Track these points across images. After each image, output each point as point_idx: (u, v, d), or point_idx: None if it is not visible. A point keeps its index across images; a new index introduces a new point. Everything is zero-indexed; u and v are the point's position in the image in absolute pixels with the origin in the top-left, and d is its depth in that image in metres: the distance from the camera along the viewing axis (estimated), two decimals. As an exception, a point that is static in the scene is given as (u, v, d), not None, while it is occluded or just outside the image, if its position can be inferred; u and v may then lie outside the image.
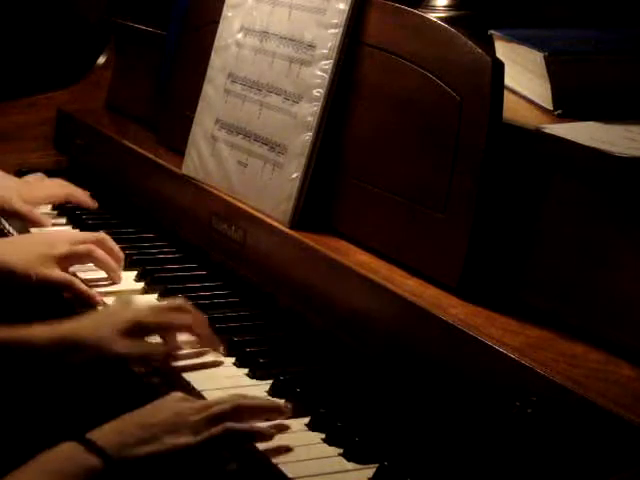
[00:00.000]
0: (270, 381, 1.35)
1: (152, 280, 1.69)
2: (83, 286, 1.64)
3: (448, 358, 1.25)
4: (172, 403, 1.23)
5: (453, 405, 1.23)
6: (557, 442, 1.09)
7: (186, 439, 1.18)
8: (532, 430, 1.11)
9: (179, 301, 1.49)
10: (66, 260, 1.67)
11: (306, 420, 1.26)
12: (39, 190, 2.01)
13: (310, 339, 1.50)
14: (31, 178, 2.11)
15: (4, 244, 1.72)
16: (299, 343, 1.49)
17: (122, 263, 1.73)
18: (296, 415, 1.27)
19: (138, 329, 1.42)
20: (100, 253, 1.69)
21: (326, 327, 1.48)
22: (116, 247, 1.73)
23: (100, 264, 1.70)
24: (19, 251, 1.65)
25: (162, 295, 1.64)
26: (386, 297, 1.35)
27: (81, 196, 2.02)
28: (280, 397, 1.31)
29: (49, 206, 2.06)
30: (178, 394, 1.25)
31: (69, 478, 1.12)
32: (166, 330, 1.45)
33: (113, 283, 1.70)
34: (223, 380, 1.39)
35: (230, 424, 1.20)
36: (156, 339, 1.46)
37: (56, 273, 1.63)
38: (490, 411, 1.17)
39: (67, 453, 1.15)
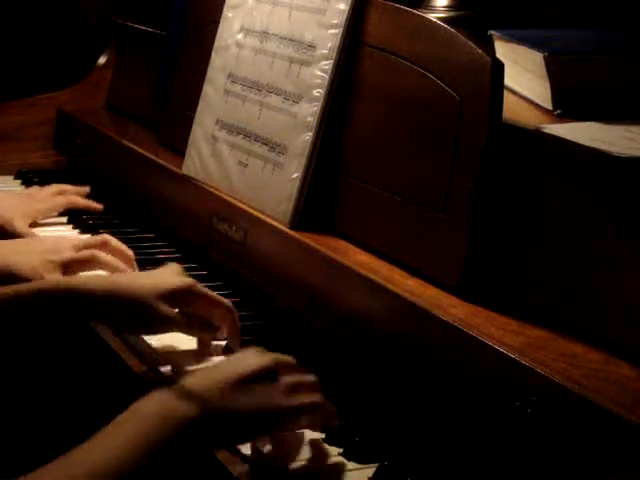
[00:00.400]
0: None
1: (152, 280, 1.69)
2: None
3: (448, 358, 1.25)
4: (256, 358, 1.20)
5: (453, 405, 1.23)
6: (557, 442, 1.09)
7: (279, 401, 1.15)
8: (532, 430, 1.11)
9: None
10: (69, 266, 1.65)
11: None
12: (41, 203, 1.99)
13: (310, 339, 1.50)
14: (32, 191, 2.10)
15: (8, 247, 1.71)
16: (299, 343, 1.49)
17: (133, 261, 1.71)
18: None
19: (185, 297, 1.44)
20: (103, 257, 1.66)
21: (326, 327, 1.48)
22: (123, 246, 1.71)
23: (107, 268, 1.67)
24: (23, 256, 1.64)
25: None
26: (386, 297, 1.35)
27: (82, 203, 2.01)
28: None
29: (64, 219, 2.05)
30: (256, 348, 1.23)
31: (168, 429, 1.07)
32: (212, 306, 1.46)
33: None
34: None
35: (318, 400, 1.19)
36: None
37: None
38: (490, 411, 1.17)
39: (164, 403, 1.10)
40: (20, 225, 1.89)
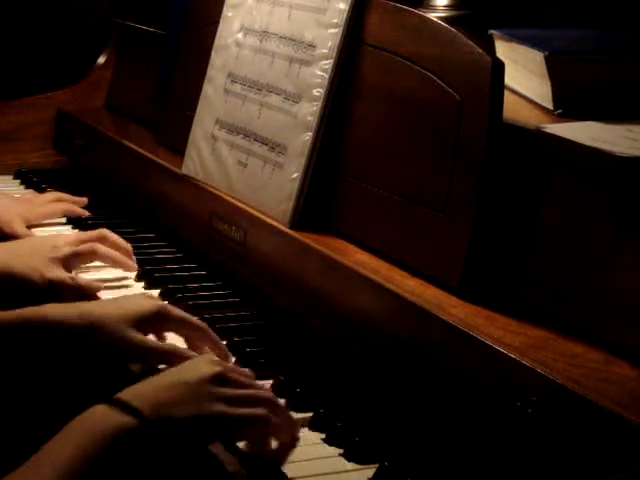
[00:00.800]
0: (270, 381, 1.35)
1: (152, 280, 1.69)
2: (88, 282, 1.64)
3: (448, 358, 1.25)
4: (205, 366, 1.20)
5: (453, 405, 1.23)
6: (557, 442, 1.09)
7: (224, 408, 1.15)
8: (532, 430, 1.11)
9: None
10: (70, 261, 1.67)
11: (306, 420, 1.26)
12: (40, 207, 2.00)
13: (310, 339, 1.49)
14: (31, 196, 2.11)
15: (7, 249, 1.72)
16: (299, 343, 1.49)
17: (131, 254, 1.74)
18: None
19: (157, 322, 1.41)
20: (103, 249, 1.70)
21: (326, 327, 1.48)
22: (119, 239, 1.73)
23: (106, 260, 1.71)
24: (24, 258, 1.65)
25: (162, 295, 1.64)
26: (386, 297, 1.35)
27: (79, 212, 2.02)
28: (280, 397, 1.31)
29: (64, 218, 2.05)
30: (209, 356, 1.24)
31: (103, 439, 1.08)
32: (185, 327, 1.42)
33: (128, 271, 1.72)
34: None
35: (266, 412, 1.18)
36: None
37: (63, 274, 1.63)
38: (490, 411, 1.17)
39: (100, 415, 1.11)
40: (18, 227, 1.90)
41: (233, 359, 1.42)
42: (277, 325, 1.55)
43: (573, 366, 1.15)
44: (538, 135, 1.32)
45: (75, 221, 1.99)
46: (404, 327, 1.32)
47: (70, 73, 2.47)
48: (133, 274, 1.72)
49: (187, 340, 1.42)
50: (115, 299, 1.47)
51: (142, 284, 1.69)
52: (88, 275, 1.70)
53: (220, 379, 1.18)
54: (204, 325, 1.42)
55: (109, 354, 1.37)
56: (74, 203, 2.03)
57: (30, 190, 2.20)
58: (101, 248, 1.70)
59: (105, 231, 1.74)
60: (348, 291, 1.42)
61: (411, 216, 1.43)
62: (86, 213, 2.02)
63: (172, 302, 1.60)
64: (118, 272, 1.73)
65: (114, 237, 1.73)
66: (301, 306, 1.54)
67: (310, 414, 1.25)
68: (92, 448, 1.07)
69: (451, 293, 1.34)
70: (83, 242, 1.70)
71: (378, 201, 1.49)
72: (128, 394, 1.14)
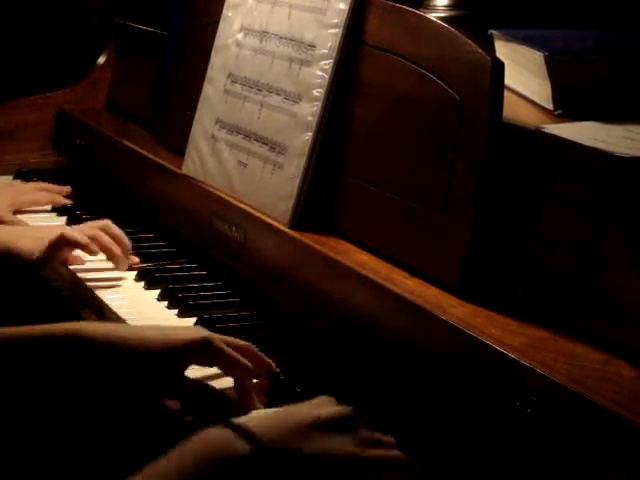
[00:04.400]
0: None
1: (152, 280, 1.69)
2: (85, 239, 1.69)
3: (448, 358, 1.25)
4: (335, 406, 1.12)
5: (453, 405, 1.23)
6: (557, 442, 1.09)
7: (355, 449, 1.07)
8: (532, 430, 1.11)
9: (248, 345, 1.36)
10: (72, 242, 1.70)
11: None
12: (25, 195, 2.04)
13: (310, 339, 1.50)
14: (16, 183, 2.16)
15: (7, 230, 1.74)
16: (299, 343, 1.49)
17: (129, 249, 1.75)
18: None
19: (202, 354, 1.29)
20: (104, 237, 1.73)
21: (326, 327, 1.48)
22: (122, 235, 1.76)
23: (103, 249, 1.73)
24: (23, 236, 1.68)
25: (163, 295, 1.64)
26: (386, 297, 1.35)
27: (62, 201, 2.06)
28: (280, 397, 1.31)
29: (49, 206, 2.07)
30: (328, 398, 1.15)
31: (219, 465, 1.01)
32: (227, 364, 1.31)
33: (117, 269, 1.73)
34: (224, 381, 1.39)
35: (400, 454, 1.11)
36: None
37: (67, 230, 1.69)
38: (490, 411, 1.17)
39: (217, 439, 1.04)
40: (8, 216, 1.93)
41: None
42: (277, 325, 1.55)
43: (573, 366, 1.15)
44: (538, 135, 1.32)
45: (75, 221, 1.99)
46: (404, 327, 1.32)
47: (70, 73, 2.47)
48: (133, 274, 1.72)
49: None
50: (157, 326, 1.37)
51: (142, 284, 1.69)
52: (88, 275, 1.70)
53: (351, 420, 1.11)
54: (249, 367, 1.29)
55: (138, 384, 1.27)
56: (58, 193, 2.08)
57: (18, 180, 2.22)
58: (103, 236, 1.72)
59: (109, 222, 1.77)
60: (348, 291, 1.42)
61: (411, 216, 1.43)
62: (69, 202, 2.06)
63: (172, 302, 1.61)
64: (118, 272, 1.73)
65: (117, 231, 1.76)
66: (301, 306, 1.54)
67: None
68: (202, 468, 1.01)
69: (451, 293, 1.34)
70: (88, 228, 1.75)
71: (378, 201, 1.49)
72: (247, 420, 1.07)
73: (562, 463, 1.08)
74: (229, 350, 1.28)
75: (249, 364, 1.29)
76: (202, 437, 1.05)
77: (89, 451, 1.49)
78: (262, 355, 1.34)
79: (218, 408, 1.27)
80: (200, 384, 1.31)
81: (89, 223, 1.81)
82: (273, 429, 1.06)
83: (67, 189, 2.09)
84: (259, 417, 1.10)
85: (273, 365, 1.34)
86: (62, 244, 1.68)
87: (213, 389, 1.31)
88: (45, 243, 1.66)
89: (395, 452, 1.11)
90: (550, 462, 1.09)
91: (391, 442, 1.13)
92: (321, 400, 1.15)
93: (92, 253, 1.72)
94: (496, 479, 1.13)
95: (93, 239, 1.72)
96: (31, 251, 1.66)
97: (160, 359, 1.25)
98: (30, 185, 2.11)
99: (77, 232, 1.72)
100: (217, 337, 1.30)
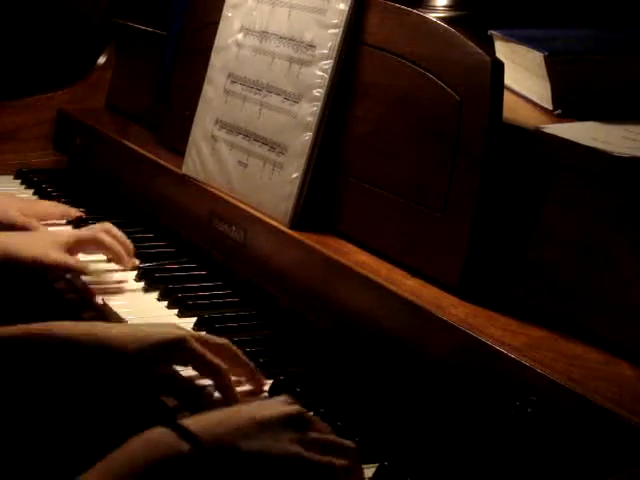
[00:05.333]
0: (270, 381, 1.35)
1: (152, 280, 1.69)
2: (90, 268, 1.67)
3: (448, 358, 1.25)
4: (284, 405, 1.11)
5: (453, 405, 1.23)
6: (557, 442, 1.09)
7: (301, 451, 1.05)
8: (532, 430, 1.11)
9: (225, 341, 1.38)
10: (74, 245, 1.70)
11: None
12: (36, 206, 2.02)
13: (310, 339, 1.50)
14: (30, 198, 2.14)
15: (10, 237, 1.73)
16: (299, 343, 1.49)
17: (130, 249, 1.75)
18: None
19: (173, 352, 1.30)
20: (106, 238, 1.72)
21: (326, 327, 1.48)
22: (123, 236, 1.75)
23: (107, 249, 1.73)
24: (26, 240, 1.67)
25: (163, 295, 1.64)
26: (386, 297, 1.35)
27: (74, 214, 2.03)
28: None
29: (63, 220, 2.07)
30: (284, 397, 1.14)
31: (156, 465, 1.01)
32: (199, 362, 1.31)
33: (124, 269, 1.73)
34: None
35: (349, 464, 1.08)
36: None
37: (64, 256, 1.66)
38: (490, 411, 1.17)
39: (156, 439, 1.03)
40: (17, 216, 1.91)
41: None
42: (277, 325, 1.55)
43: (573, 366, 1.15)
44: (538, 135, 1.33)
45: (76, 222, 1.99)
46: (404, 327, 1.32)
47: (70, 73, 2.47)
48: (133, 274, 1.72)
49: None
50: (136, 325, 1.40)
51: (142, 284, 1.69)
52: (89, 277, 1.70)
53: (300, 421, 1.09)
54: (223, 369, 1.30)
55: (118, 383, 1.30)
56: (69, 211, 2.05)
57: (31, 191, 2.21)
58: (105, 237, 1.72)
59: (110, 225, 1.77)
60: (348, 291, 1.42)
61: (411, 216, 1.43)
62: (81, 214, 2.03)
63: (172, 302, 1.61)
64: (118, 274, 1.73)
65: (118, 232, 1.76)
66: (301, 306, 1.54)
67: (310, 414, 1.25)
68: (143, 466, 1.01)
69: (451, 293, 1.34)
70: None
71: (378, 201, 1.49)
72: (190, 420, 1.06)
73: (562, 463, 1.08)
74: (202, 350, 1.29)
75: (222, 365, 1.30)
76: (143, 437, 1.04)
77: (65, 450, 1.50)
78: (240, 354, 1.35)
79: (205, 405, 1.27)
80: (189, 381, 1.32)
81: (90, 226, 1.80)
82: (215, 428, 1.05)
83: (80, 214, 2.03)
84: (204, 417, 1.07)
85: (252, 365, 1.35)
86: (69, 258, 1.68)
87: (202, 386, 1.32)
88: (49, 256, 1.64)
89: (342, 461, 1.08)
90: (550, 462, 1.10)
91: (348, 447, 1.11)
92: (275, 400, 1.14)
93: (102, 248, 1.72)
94: (496, 479, 1.13)
95: (96, 240, 1.72)
96: (34, 258, 1.63)
97: (136, 359, 1.27)
98: (44, 201, 2.09)
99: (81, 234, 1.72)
100: (192, 336, 1.31)
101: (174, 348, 1.29)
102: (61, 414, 1.41)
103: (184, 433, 1.03)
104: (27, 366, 1.27)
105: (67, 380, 1.29)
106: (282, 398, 1.14)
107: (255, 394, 1.31)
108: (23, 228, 1.89)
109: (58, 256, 1.65)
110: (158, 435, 1.04)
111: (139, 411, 1.33)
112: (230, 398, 1.29)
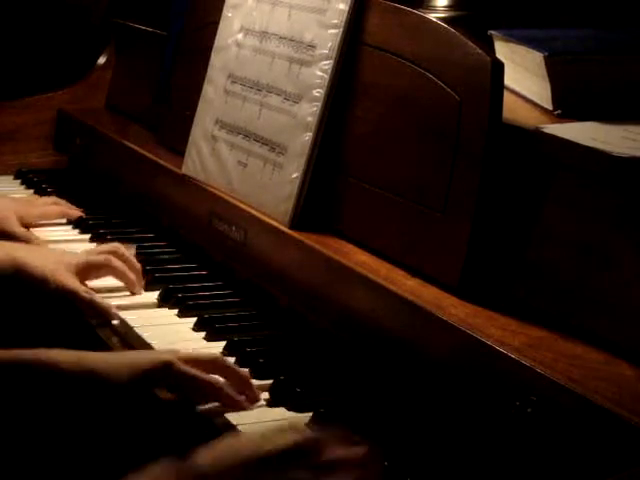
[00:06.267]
0: (270, 381, 1.35)
1: (152, 280, 1.69)
2: (99, 299, 1.60)
3: (448, 358, 1.25)
4: (283, 438, 1.06)
5: (453, 405, 1.23)
6: (557, 442, 1.09)
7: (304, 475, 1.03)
8: (532, 430, 1.11)
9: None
10: (84, 270, 1.65)
11: (306, 420, 1.26)
12: (36, 209, 2.01)
13: (310, 339, 1.50)
14: (31, 198, 2.12)
15: (24, 248, 1.72)
16: (299, 343, 1.49)
17: (140, 273, 1.69)
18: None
19: (165, 378, 1.31)
20: (118, 263, 1.66)
21: (326, 327, 1.48)
22: (132, 258, 1.70)
23: (118, 274, 1.67)
24: (38, 256, 1.65)
25: (163, 295, 1.64)
26: (386, 297, 1.35)
27: (73, 214, 2.02)
28: (280, 397, 1.31)
29: (64, 219, 2.06)
30: (290, 424, 1.12)
31: None
32: (192, 384, 1.30)
33: (132, 294, 1.67)
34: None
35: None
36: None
37: (73, 282, 1.62)
38: (490, 411, 1.17)
39: (159, 476, 1.03)
40: (16, 227, 1.90)
41: (219, 344, 1.41)
42: (277, 325, 1.55)
43: (573, 366, 1.15)
44: (538, 135, 1.33)
45: (76, 222, 1.99)
46: (404, 327, 1.32)
47: (70, 73, 2.47)
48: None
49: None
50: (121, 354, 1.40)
51: (142, 284, 1.69)
52: (90, 283, 1.69)
53: (307, 448, 1.06)
54: (214, 384, 1.30)
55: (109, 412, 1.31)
56: (71, 208, 2.04)
57: (31, 191, 2.21)
58: (116, 262, 1.66)
59: (119, 246, 1.72)
60: (348, 291, 1.42)
61: (411, 216, 1.43)
62: (80, 214, 2.02)
63: (172, 302, 1.61)
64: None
65: (127, 254, 1.70)
66: (301, 306, 1.54)
67: (310, 414, 1.25)
68: None
69: (451, 293, 1.34)
70: (98, 253, 1.70)
71: (378, 201, 1.49)
72: (201, 457, 1.04)
73: (562, 463, 1.08)
74: (192, 372, 1.28)
75: (218, 379, 1.29)
76: (147, 474, 1.02)
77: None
78: (232, 366, 1.34)
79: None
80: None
81: (98, 248, 1.75)
82: (219, 467, 1.03)
83: (79, 213, 2.03)
84: (208, 454, 1.04)
85: (246, 373, 1.34)
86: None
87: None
88: (58, 280, 1.61)
89: (357, 472, 1.06)
90: (550, 462, 1.09)
91: (358, 455, 1.08)
92: (278, 428, 1.11)
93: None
94: (496, 479, 1.13)
95: (107, 265, 1.66)
96: (43, 276, 1.61)
97: (127, 388, 1.27)
98: (42, 200, 2.07)
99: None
100: (179, 358, 1.29)
101: (163, 373, 1.28)
102: (49, 442, 1.42)
103: (189, 473, 1.02)
104: (15, 393, 1.27)
105: (55, 408, 1.29)
106: (287, 424, 1.12)
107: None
108: (21, 240, 1.87)
109: (67, 281, 1.61)
110: (162, 474, 1.03)
111: (132, 440, 1.34)
112: (237, 408, 1.28)
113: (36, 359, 1.28)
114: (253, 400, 1.30)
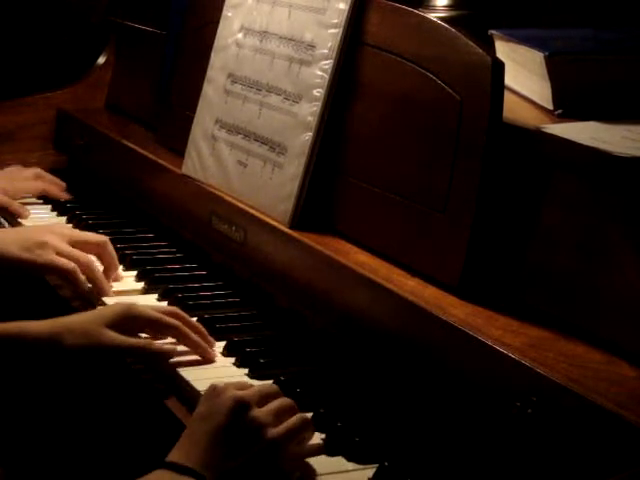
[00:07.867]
0: (270, 381, 1.35)
1: (152, 280, 1.69)
2: (82, 276, 1.63)
3: (448, 358, 1.25)
4: (226, 398, 1.18)
5: (453, 405, 1.23)
6: (557, 442, 1.09)
7: (272, 434, 1.15)
8: (532, 430, 1.11)
9: (173, 308, 1.51)
10: (151, 325, 1.52)
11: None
12: (20, 183, 2.07)
13: (310, 339, 1.50)
14: (13, 169, 2.16)
15: (1, 234, 1.73)
16: (299, 343, 1.49)
17: (115, 273, 1.70)
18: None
19: (128, 321, 1.42)
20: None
21: (326, 327, 1.48)
22: (115, 258, 1.70)
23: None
24: (17, 240, 1.66)
25: (162, 295, 1.64)
26: (386, 297, 1.35)
27: (55, 191, 2.10)
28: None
29: (49, 206, 2.08)
30: (229, 385, 1.22)
31: None
32: (155, 325, 1.44)
33: (99, 295, 1.65)
34: (223, 380, 1.38)
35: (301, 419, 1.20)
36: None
37: (58, 258, 1.63)
38: (490, 411, 1.17)
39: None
40: (0, 197, 1.96)
41: (220, 344, 1.45)
42: (277, 325, 1.55)
43: (573, 366, 1.15)
44: (538, 135, 1.32)
45: (75, 220, 1.99)
46: (404, 327, 1.32)
47: (70, 73, 2.47)
48: (133, 274, 1.72)
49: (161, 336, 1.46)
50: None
51: (142, 284, 1.69)
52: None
53: (245, 404, 1.17)
54: (176, 323, 1.44)
55: (82, 356, 1.39)
56: (53, 183, 2.11)
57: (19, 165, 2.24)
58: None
59: (107, 240, 1.70)
60: (348, 291, 1.42)
61: (411, 216, 1.43)
62: (64, 197, 2.08)
63: (172, 302, 1.61)
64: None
65: (112, 252, 1.70)
66: (301, 306, 1.54)
67: (310, 414, 1.25)
68: None
69: (451, 293, 1.34)
70: (84, 240, 1.70)
71: (378, 201, 1.49)
72: (175, 455, 1.14)
73: (562, 463, 1.08)
74: (152, 312, 1.44)
75: (177, 322, 1.44)
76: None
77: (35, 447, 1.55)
78: (189, 318, 1.47)
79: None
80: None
81: (88, 236, 1.74)
82: (206, 462, 1.13)
83: (62, 184, 2.12)
84: (186, 453, 1.14)
85: (200, 327, 1.46)
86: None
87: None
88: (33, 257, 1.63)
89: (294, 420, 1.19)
90: (550, 462, 1.09)
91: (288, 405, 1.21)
92: (220, 397, 1.19)
93: (75, 281, 1.64)
94: (497, 479, 1.13)
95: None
96: (26, 261, 1.63)
97: (90, 330, 1.39)
98: (27, 172, 2.13)
99: (64, 259, 1.64)
100: (141, 305, 1.45)
101: (127, 315, 1.42)
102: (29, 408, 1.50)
103: (183, 470, 1.11)
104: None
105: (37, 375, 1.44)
106: (222, 388, 1.20)
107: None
108: (5, 209, 1.97)
109: (49, 258, 1.63)
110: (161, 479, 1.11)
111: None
112: (193, 346, 1.43)
113: (15, 332, 1.38)
114: (209, 349, 1.44)
